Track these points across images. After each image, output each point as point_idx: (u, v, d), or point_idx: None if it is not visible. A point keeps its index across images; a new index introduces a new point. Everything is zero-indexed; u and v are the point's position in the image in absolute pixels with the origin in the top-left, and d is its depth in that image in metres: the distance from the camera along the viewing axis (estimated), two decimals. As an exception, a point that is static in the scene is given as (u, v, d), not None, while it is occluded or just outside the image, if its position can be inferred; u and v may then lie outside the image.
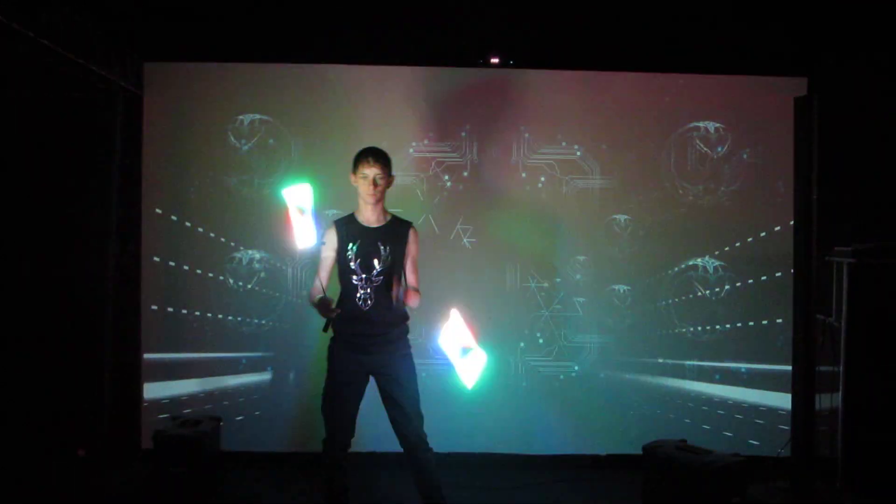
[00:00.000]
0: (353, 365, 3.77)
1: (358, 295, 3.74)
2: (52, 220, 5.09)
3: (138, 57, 5.09)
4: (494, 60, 5.26)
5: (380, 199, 3.80)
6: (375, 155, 3.77)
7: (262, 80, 5.18)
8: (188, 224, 5.18)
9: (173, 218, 5.18)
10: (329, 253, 3.82)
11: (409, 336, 3.96)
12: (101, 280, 5.07)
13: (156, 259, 5.17)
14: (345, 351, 3.80)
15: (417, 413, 3.83)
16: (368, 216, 3.83)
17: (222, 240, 5.20)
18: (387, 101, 5.22)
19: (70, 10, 4.20)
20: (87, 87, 4.84)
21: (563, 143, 5.24)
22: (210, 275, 5.19)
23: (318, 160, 5.20)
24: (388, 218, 3.88)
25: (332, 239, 3.81)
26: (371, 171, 3.75)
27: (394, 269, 3.78)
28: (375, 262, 3.75)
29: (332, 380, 3.80)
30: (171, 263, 5.17)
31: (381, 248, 3.76)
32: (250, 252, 5.20)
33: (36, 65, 4.35)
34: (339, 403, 3.78)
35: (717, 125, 5.25)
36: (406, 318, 3.90)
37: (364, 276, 3.74)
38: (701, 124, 5.25)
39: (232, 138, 5.19)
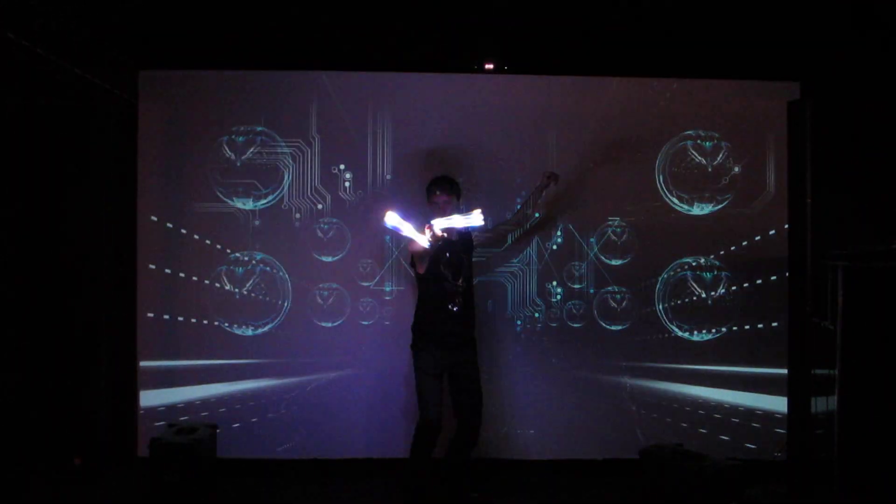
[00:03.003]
0: (438, 360, 4.33)
1: (451, 299, 4.30)
2: (46, 227, 5.09)
3: (133, 65, 5.09)
4: (489, 66, 5.27)
5: None
6: (441, 185, 4.45)
7: (256, 87, 5.19)
8: (184, 231, 5.18)
9: (169, 225, 5.18)
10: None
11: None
12: (96, 287, 5.07)
13: (151, 266, 5.17)
14: (431, 349, 4.35)
15: (477, 402, 4.42)
16: (448, 233, 4.29)
17: (218, 247, 5.20)
18: (382, 108, 5.23)
19: (65, 19, 4.21)
20: (82, 95, 4.85)
21: (558, 148, 5.25)
22: (206, 282, 5.18)
23: (313, 165, 5.20)
24: (458, 232, 4.43)
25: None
26: (441, 199, 4.42)
27: (470, 274, 4.46)
28: (461, 269, 4.36)
29: (422, 373, 4.35)
30: (167, 271, 5.17)
31: (464, 258, 4.41)
32: (246, 259, 5.20)
33: (31, 73, 4.35)
34: (431, 390, 4.32)
35: (711, 129, 5.27)
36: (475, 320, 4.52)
37: (455, 282, 4.32)
38: (695, 128, 5.27)
39: (227, 145, 5.19)
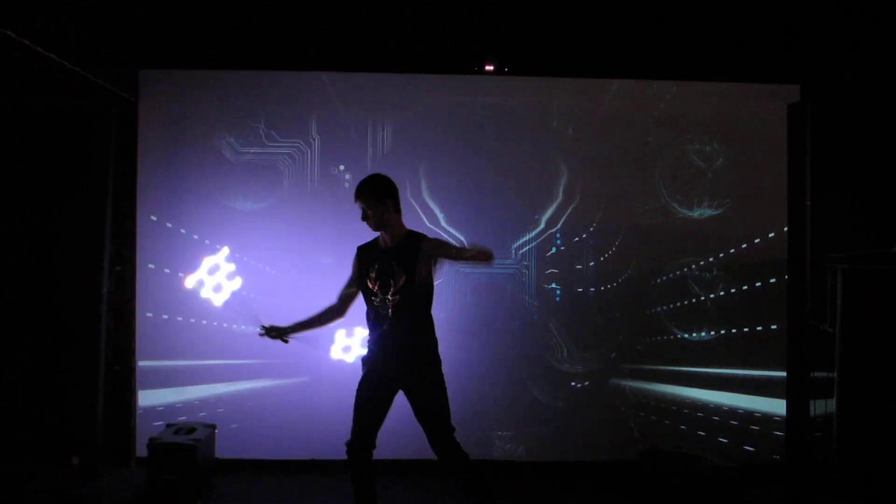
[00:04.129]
0: (380, 378, 3.86)
1: (379, 314, 3.81)
2: (46, 226, 5.09)
3: (133, 64, 5.09)
4: (489, 68, 5.27)
5: (381, 227, 3.87)
6: (357, 192, 3.89)
7: (256, 87, 5.19)
8: (183, 231, 5.18)
9: (168, 225, 5.17)
10: (353, 272, 4.01)
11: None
12: (95, 287, 5.06)
13: (151, 266, 5.16)
14: (374, 365, 3.88)
15: (447, 425, 3.88)
16: (384, 239, 3.91)
17: (217, 247, 5.18)
18: (382, 109, 5.23)
19: (65, 18, 4.20)
20: (82, 94, 4.84)
21: (558, 150, 5.25)
22: (205, 282, 5.18)
23: (313, 166, 5.20)
24: (402, 236, 3.90)
25: (353, 265, 4.00)
26: (358, 205, 3.88)
27: (410, 286, 3.79)
28: (391, 281, 3.79)
29: (361, 387, 3.91)
30: (167, 270, 5.17)
31: (396, 267, 3.80)
32: (246, 258, 5.20)
33: (31, 72, 4.35)
34: (364, 408, 3.89)
35: (711, 131, 5.26)
36: (430, 332, 3.91)
37: (381, 295, 3.80)
38: (694, 130, 5.26)
39: (227, 144, 5.19)
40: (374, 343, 3.86)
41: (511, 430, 5.24)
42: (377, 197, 3.85)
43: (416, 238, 3.89)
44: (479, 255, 3.81)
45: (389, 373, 3.84)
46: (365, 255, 3.93)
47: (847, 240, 4.63)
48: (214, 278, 4.42)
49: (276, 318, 5.16)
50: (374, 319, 3.85)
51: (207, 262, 4.34)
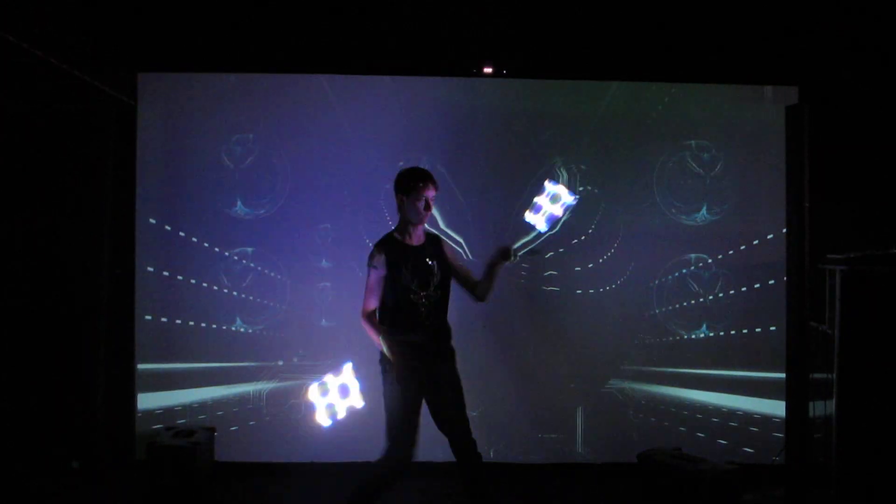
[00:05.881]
0: (416, 377, 3.77)
1: (420, 311, 3.79)
2: (45, 230, 5.09)
3: (132, 68, 5.09)
4: (487, 70, 5.28)
5: (427, 220, 3.90)
6: (431, 178, 3.85)
7: (255, 90, 5.19)
8: (182, 234, 5.18)
9: (167, 228, 5.17)
10: (379, 276, 3.83)
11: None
12: (94, 290, 5.06)
13: (150, 269, 5.16)
14: (409, 365, 3.76)
15: (465, 419, 3.87)
16: (413, 236, 3.88)
17: (216, 249, 5.20)
18: (381, 111, 5.23)
19: (64, 22, 4.21)
20: (81, 97, 4.85)
21: (556, 152, 5.25)
22: (204, 284, 5.18)
23: (312, 168, 5.21)
24: (426, 235, 3.96)
25: (381, 263, 3.81)
26: (430, 193, 3.83)
27: (445, 284, 3.89)
28: (430, 278, 3.83)
29: (402, 391, 3.76)
30: (166, 273, 5.17)
31: (431, 264, 3.85)
32: (245, 261, 5.20)
33: (30, 76, 4.36)
34: (407, 416, 3.77)
35: (709, 133, 5.27)
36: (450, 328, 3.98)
37: (423, 292, 3.79)
38: (692, 132, 5.27)
39: (226, 147, 5.19)
40: (408, 342, 3.75)
41: (510, 431, 5.24)
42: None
43: (437, 238, 3.99)
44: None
45: (423, 373, 3.77)
46: (392, 254, 3.80)
47: (845, 241, 4.64)
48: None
49: (276, 320, 5.21)
50: (409, 318, 3.77)
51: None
